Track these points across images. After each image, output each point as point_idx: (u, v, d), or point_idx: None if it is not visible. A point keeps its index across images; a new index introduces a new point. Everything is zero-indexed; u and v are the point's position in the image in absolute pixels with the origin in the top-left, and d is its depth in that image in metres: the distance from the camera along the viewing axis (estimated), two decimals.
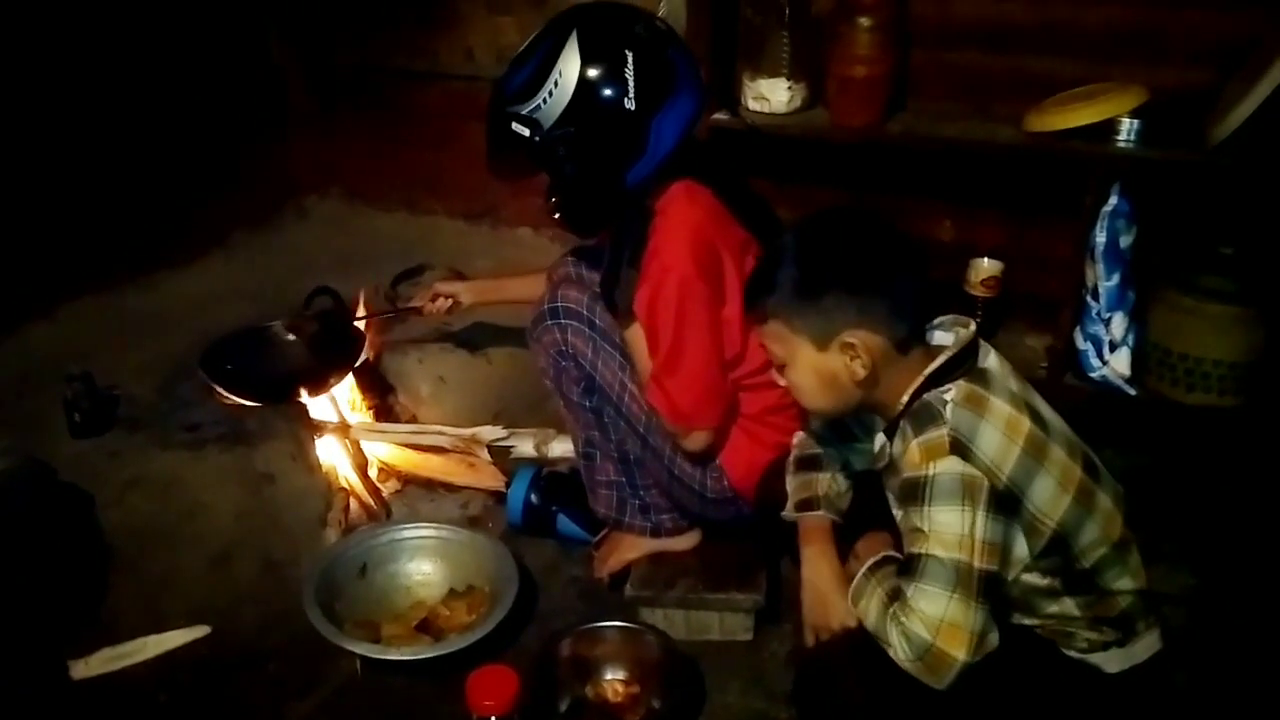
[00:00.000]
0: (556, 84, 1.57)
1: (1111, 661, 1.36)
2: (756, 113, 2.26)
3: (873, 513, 1.47)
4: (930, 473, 1.22)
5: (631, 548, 1.89)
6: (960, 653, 1.19)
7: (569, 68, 1.57)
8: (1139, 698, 1.37)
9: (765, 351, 1.42)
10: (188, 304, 2.61)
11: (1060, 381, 2.15)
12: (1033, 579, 1.30)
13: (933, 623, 1.20)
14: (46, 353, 2.33)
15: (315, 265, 2.75)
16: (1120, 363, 2.08)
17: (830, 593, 1.47)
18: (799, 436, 1.63)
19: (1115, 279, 2.02)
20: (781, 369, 1.37)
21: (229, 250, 2.95)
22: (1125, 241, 2.01)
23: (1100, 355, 2.09)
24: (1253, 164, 1.89)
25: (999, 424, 1.24)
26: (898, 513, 1.33)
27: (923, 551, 1.23)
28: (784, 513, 1.59)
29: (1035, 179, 2.22)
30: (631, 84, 1.56)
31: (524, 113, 1.61)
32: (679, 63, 1.61)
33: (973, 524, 1.20)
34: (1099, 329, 2.07)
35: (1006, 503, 1.22)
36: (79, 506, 1.87)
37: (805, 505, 1.56)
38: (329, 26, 3.07)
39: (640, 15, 1.63)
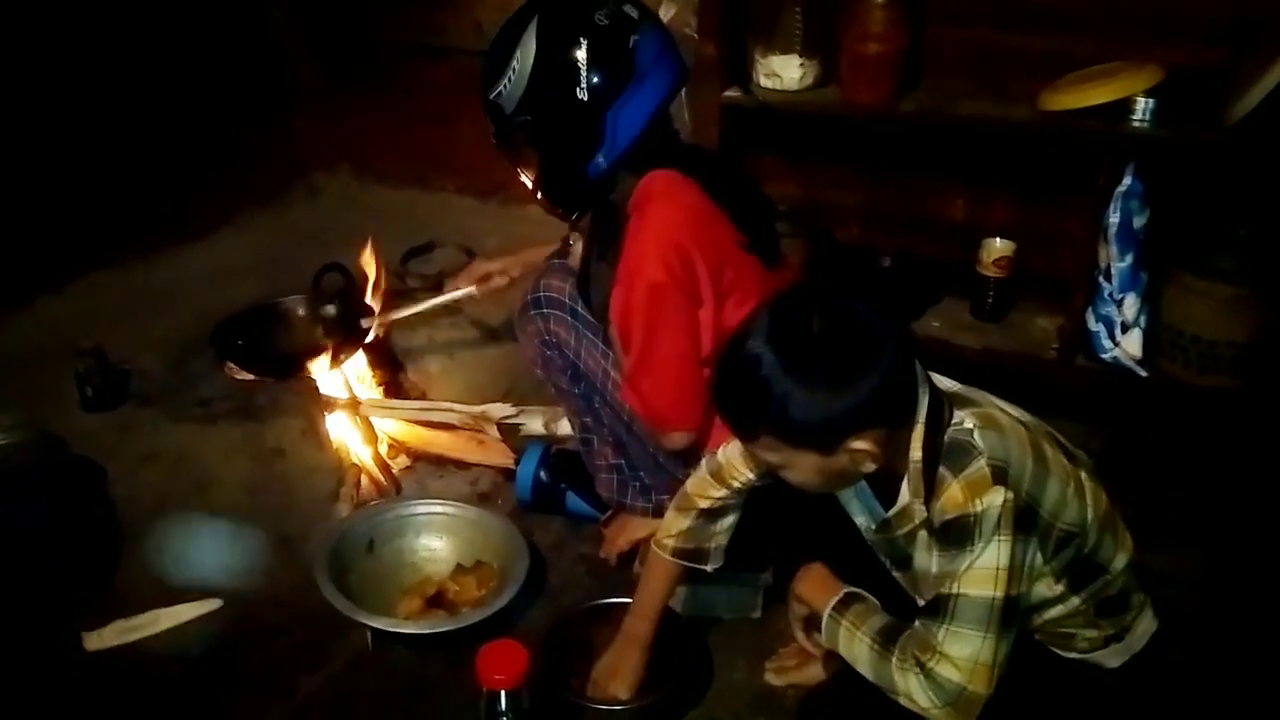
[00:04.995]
0: (515, 70, 1.55)
1: (1112, 656, 1.35)
2: (768, 90, 2.24)
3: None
4: (979, 509, 1.16)
5: (639, 527, 1.89)
6: (986, 690, 1.17)
7: (526, 55, 1.54)
8: (1144, 685, 1.35)
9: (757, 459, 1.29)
10: (198, 280, 2.61)
11: (1072, 363, 2.14)
12: (1041, 589, 1.27)
13: (966, 665, 1.17)
14: (57, 327, 2.34)
15: (325, 242, 2.74)
16: (1132, 344, 2.07)
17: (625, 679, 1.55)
18: (707, 482, 1.51)
19: (1128, 260, 2.01)
20: (776, 469, 1.27)
21: (239, 226, 2.95)
22: (1139, 222, 2.00)
23: (1112, 336, 2.08)
24: (1269, 144, 1.87)
25: (1013, 437, 1.21)
26: (920, 559, 1.28)
27: (953, 592, 1.18)
28: (660, 549, 1.55)
29: (1048, 158, 2.21)
30: (583, 74, 1.53)
31: (490, 96, 1.60)
32: (642, 50, 1.56)
33: (1007, 554, 1.16)
34: (1111, 310, 2.06)
35: (1027, 517, 1.19)
36: (91, 480, 1.88)
37: (693, 555, 1.55)
38: (335, 1, 3.06)
39: (610, 0, 1.58)
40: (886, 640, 1.26)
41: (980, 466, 1.17)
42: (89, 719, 1.63)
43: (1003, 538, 1.16)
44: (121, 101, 2.59)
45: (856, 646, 1.29)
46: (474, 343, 2.43)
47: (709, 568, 1.57)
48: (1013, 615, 1.18)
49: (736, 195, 1.69)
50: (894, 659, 1.23)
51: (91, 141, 2.52)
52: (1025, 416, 1.30)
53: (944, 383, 1.29)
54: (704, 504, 1.52)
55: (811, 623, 1.43)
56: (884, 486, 1.30)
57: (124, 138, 2.60)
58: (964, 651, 1.17)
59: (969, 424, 1.21)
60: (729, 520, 1.55)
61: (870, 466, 1.21)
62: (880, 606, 1.34)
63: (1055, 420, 1.37)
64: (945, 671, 1.17)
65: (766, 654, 1.68)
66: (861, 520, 1.38)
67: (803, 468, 1.23)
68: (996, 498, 1.15)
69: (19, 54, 2.35)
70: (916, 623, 1.23)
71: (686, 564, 1.56)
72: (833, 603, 1.36)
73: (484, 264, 2.11)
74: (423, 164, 3.12)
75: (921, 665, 1.19)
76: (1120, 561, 1.32)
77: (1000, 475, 1.16)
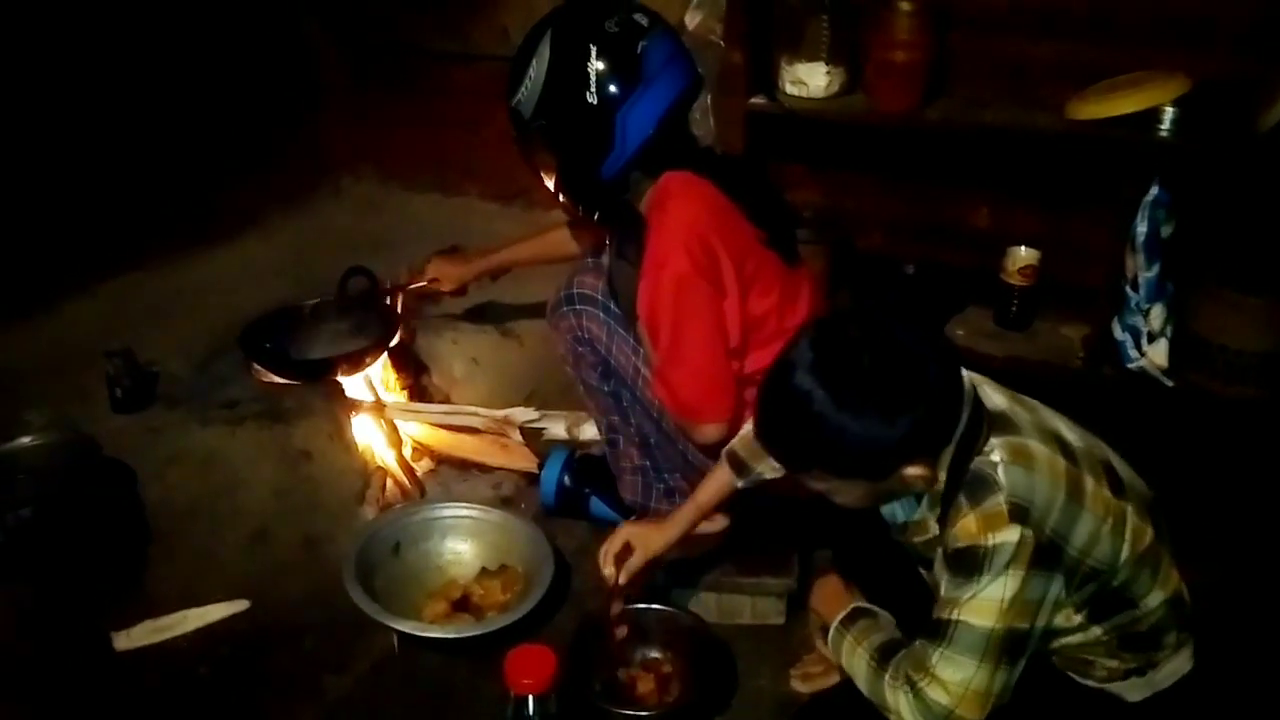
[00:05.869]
0: (531, 78, 1.62)
1: (1133, 690, 1.32)
2: (794, 97, 2.25)
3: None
4: (990, 543, 1.15)
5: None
6: (976, 717, 1.17)
7: (541, 62, 1.61)
8: None
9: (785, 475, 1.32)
10: (224, 282, 2.62)
11: (1097, 372, 2.14)
12: (1060, 620, 1.25)
13: (957, 691, 1.17)
14: (86, 329, 2.36)
15: (350, 245, 2.76)
16: (1158, 354, 2.06)
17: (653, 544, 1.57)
18: None
19: (1155, 270, 2.01)
20: (823, 494, 1.27)
21: (264, 229, 2.96)
22: (1166, 232, 2.00)
23: (1138, 346, 2.08)
24: None
25: (1045, 473, 1.18)
26: (938, 572, 1.27)
27: (954, 618, 1.18)
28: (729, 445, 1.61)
29: (1074, 167, 2.21)
30: (593, 79, 1.58)
31: (511, 104, 1.67)
32: (651, 55, 1.60)
33: (1016, 589, 1.15)
34: (1138, 320, 2.06)
35: (1050, 554, 1.17)
36: (122, 481, 1.89)
37: (737, 464, 1.57)
38: (361, 5, 3.08)
39: (621, 9, 1.63)
40: (884, 657, 1.27)
41: (998, 503, 1.15)
42: (118, 718, 1.65)
43: (1013, 573, 1.15)
44: (149, 103, 2.60)
45: (855, 660, 1.31)
46: (497, 347, 2.44)
47: (739, 483, 1.59)
48: (1017, 648, 1.18)
49: (752, 194, 1.71)
50: (887, 676, 1.24)
51: (120, 143, 2.54)
52: (1081, 441, 1.27)
53: (993, 399, 1.25)
54: None
55: None
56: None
57: (152, 140, 2.62)
58: (955, 676, 1.17)
59: (996, 456, 1.18)
60: None
61: (922, 487, 1.22)
62: (893, 622, 1.35)
63: None
64: (935, 694, 1.18)
65: (791, 661, 1.69)
66: (887, 516, 1.38)
67: (853, 494, 1.24)
68: (1011, 535, 1.14)
69: (48, 57, 2.37)
70: (916, 642, 1.23)
71: (728, 466, 1.58)
72: (841, 616, 1.37)
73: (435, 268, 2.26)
74: (447, 168, 3.13)
75: (913, 685, 1.20)
76: (1155, 599, 1.27)
77: (1019, 514, 1.15)
